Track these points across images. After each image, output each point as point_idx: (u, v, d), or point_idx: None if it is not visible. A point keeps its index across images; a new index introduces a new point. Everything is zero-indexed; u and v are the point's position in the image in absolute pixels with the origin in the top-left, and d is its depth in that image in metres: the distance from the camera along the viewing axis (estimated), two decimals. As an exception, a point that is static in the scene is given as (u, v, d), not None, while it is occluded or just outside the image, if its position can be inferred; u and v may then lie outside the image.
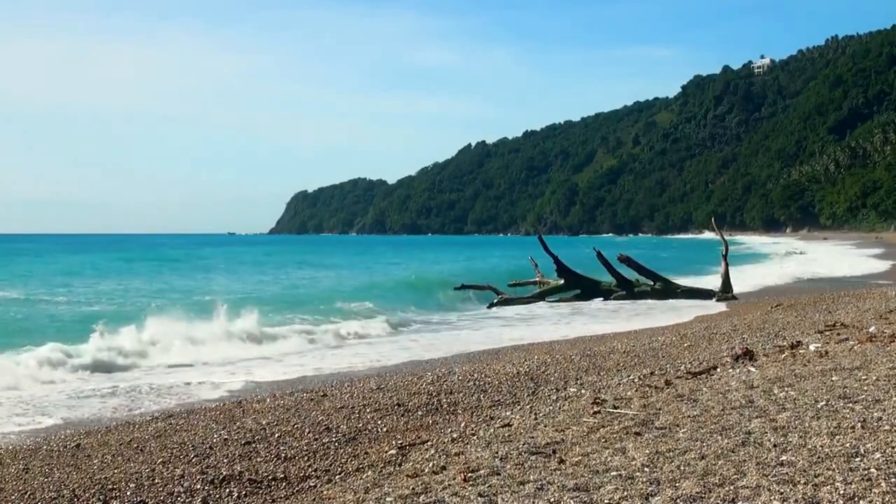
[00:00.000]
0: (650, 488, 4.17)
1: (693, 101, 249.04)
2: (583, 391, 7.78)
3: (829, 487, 3.91)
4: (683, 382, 7.42)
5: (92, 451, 6.57)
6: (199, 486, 5.62)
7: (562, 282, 22.72)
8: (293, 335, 14.95)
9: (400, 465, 5.80)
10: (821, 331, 10.58)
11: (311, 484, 5.68)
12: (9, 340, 12.74)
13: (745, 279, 26.81)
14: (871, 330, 9.79)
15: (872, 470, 4.07)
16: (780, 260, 44.20)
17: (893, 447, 4.39)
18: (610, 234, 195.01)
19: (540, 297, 22.47)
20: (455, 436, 6.42)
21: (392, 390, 8.62)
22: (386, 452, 6.23)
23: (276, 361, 12.35)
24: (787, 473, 4.17)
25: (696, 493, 4.02)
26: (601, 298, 21.98)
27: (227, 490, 5.58)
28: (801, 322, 12.60)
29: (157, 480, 5.74)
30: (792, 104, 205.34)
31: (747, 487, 4.02)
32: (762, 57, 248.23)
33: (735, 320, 14.15)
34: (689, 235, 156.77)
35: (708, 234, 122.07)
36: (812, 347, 8.72)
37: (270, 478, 5.80)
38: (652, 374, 8.34)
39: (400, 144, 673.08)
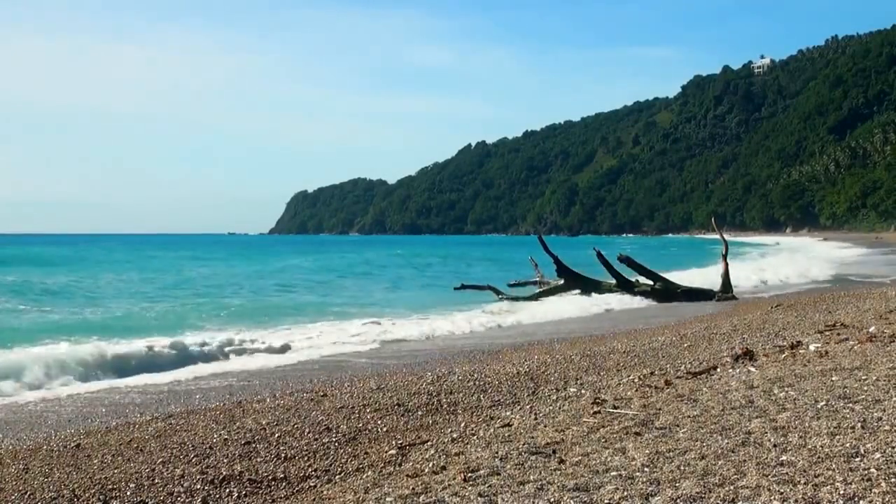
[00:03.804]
0: (650, 488, 4.17)
1: (693, 101, 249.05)
2: (583, 391, 7.78)
3: (829, 487, 3.91)
4: (683, 382, 7.42)
5: (92, 451, 6.57)
6: (199, 486, 5.62)
7: (562, 282, 22.72)
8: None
9: (400, 465, 5.80)
10: (821, 331, 10.58)
11: (311, 484, 5.68)
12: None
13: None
14: (871, 330, 9.79)
15: (872, 470, 4.08)
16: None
17: (893, 447, 4.39)
18: (632, 234, 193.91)
19: (540, 297, 22.47)
20: (455, 436, 6.42)
21: (392, 390, 8.61)
22: (386, 452, 6.22)
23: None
24: (787, 473, 4.17)
25: (696, 493, 4.02)
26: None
27: (227, 490, 5.58)
28: (801, 322, 12.59)
29: (157, 480, 5.74)
30: (792, 104, 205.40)
31: (747, 487, 4.03)
32: (762, 57, 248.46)
33: (735, 320, 14.14)
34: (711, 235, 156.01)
35: (754, 235, 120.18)
36: (812, 347, 8.72)
37: (270, 478, 5.80)
38: (652, 374, 8.34)
39: (400, 144, 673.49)
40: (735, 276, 24.26)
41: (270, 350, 13.46)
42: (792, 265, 33.80)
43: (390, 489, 4.93)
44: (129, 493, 5.51)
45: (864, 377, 6.40)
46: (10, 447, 6.92)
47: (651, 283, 22.38)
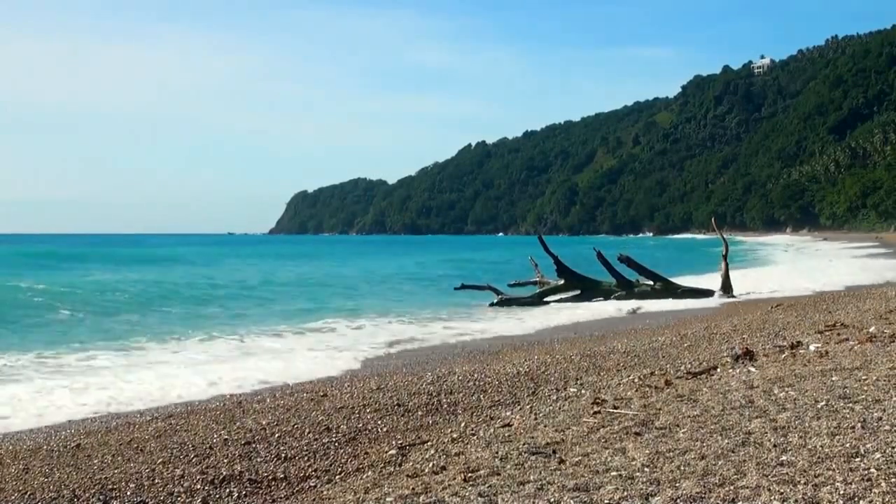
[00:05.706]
0: (650, 488, 4.18)
1: (693, 101, 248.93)
2: (583, 391, 7.79)
3: (829, 487, 3.91)
4: (683, 382, 7.43)
5: (92, 451, 6.57)
6: (199, 486, 5.62)
7: (562, 282, 22.71)
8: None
9: (400, 465, 5.80)
10: (821, 331, 10.58)
11: (311, 484, 5.68)
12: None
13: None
14: (871, 330, 9.80)
15: (872, 470, 4.08)
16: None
17: (893, 447, 4.39)
18: (649, 234, 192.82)
19: (540, 297, 22.47)
20: (455, 436, 6.43)
21: (392, 390, 8.62)
22: (386, 452, 6.23)
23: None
24: (787, 473, 4.17)
25: (696, 493, 4.03)
26: (601, 299, 21.98)
27: (227, 490, 5.58)
28: (801, 322, 12.60)
29: (157, 480, 5.74)
30: (792, 104, 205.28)
31: (747, 487, 4.03)
32: (762, 57, 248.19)
33: (735, 320, 14.15)
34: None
35: (777, 236, 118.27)
36: (812, 347, 8.72)
37: (270, 478, 5.80)
38: (652, 374, 8.34)
39: (400, 144, 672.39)
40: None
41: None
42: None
43: (390, 489, 4.93)
44: (129, 493, 5.51)
45: (864, 377, 6.40)
46: (10, 447, 6.92)
47: (651, 283, 22.39)
